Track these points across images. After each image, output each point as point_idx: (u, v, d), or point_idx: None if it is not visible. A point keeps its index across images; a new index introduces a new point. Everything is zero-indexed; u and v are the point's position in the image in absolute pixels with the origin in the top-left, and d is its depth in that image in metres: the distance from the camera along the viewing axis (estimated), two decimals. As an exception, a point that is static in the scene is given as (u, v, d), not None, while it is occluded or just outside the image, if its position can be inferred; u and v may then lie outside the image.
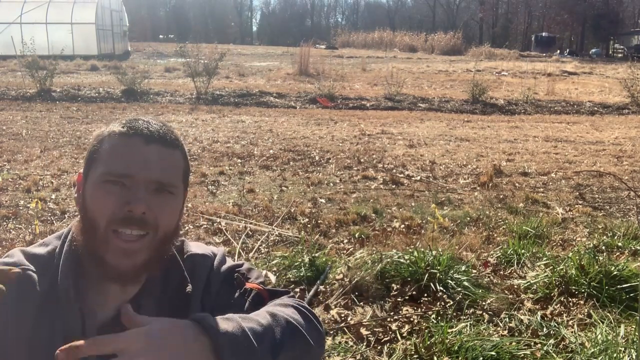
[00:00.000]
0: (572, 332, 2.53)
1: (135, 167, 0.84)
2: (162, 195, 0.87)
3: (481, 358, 2.24)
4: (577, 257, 3.10)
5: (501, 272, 3.24)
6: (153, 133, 0.87)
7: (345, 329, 2.55)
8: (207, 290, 0.98)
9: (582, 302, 2.82)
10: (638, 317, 2.44)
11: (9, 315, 0.84)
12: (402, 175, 5.86)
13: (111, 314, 0.90)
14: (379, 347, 2.42)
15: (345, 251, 3.58)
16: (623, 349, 2.30)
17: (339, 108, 11.63)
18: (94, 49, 21.95)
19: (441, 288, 2.87)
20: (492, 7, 55.14)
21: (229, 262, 1.04)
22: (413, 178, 5.75)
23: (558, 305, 2.80)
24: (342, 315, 2.68)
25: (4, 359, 0.84)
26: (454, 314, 2.68)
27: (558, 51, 39.42)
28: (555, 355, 2.30)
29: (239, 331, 0.75)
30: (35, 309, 0.85)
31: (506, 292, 2.96)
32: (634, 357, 2.22)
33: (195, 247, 1.02)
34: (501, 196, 5.10)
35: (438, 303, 2.78)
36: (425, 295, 2.85)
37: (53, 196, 4.67)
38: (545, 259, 3.31)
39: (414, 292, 2.86)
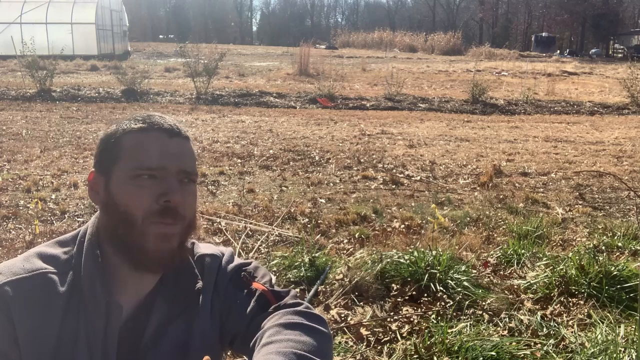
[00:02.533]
0: (572, 332, 2.53)
1: (167, 159, 0.88)
2: (188, 185, 0.91)
3: (481, 358, 2.24)
4: (577, 257, 3.10)
5: (501, 272, 3.24)
6: (172, 127, 0.91)
7: (345, 329, 2.55)
8: (216, 289, 0.99)
9: (582, 302, 2.82)
10: (638, 317, 2.44)
11: (36, 321, 0.84)
12: (402, 175, 5.86)
13: (131, 310, 0.92)
14: (379, 347, 2.42)
15: (345, 251, 3.58)
16: (623, 349, 2.30)
17: (339, 108, 11.63)
18: (94, 49, 21.95)
19: (441, 288, 2.87)
20: (492, 7, 55.12)
21: (237, 260, 1.05)
22: (413, 178, 5.75)
23: (558, 305, 2.80)
24: (342, 315, 2.68)
25: None
26: (454, 314, 2.68)
27: (558, 51, 39.42)
28: (555, 355, 2.30)
29: None
30: (60, 310, 0.86)
31: (506, 292, 2.96)
32: (634, 357, 2.21)
33: (204, 248, 1.04)
34: (501, 196, 5.10)
35: (438, 303, 2.78)
36: (425, 295, 2.85)
37: (53, 196, 4.67)
38: (545, 259, 3.31)
39: (414, 292, 2.86)
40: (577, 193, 5.31)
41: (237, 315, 0.97)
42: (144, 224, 0.86)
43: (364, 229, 4.03)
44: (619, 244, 3.66)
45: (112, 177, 0.89)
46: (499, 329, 2.57)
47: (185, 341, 0.94)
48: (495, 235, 3.98)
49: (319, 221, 4.19)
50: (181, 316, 0.94)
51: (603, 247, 3.60)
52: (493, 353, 2.25)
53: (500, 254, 3.48)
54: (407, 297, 2.83)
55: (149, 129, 0.89)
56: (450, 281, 2.92)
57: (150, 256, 0.86)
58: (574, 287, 2.91)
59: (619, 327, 2.50)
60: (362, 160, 6.52)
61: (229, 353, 2.01)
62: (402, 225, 4.13)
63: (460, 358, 2.24)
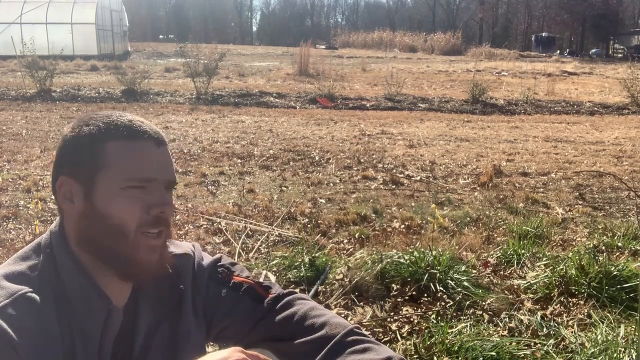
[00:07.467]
0: (572, 332, 2.53)
1: (157, 170, 0.87)
2: (170, 192, 0.91)
3: (481, 358, 2.24)
4: (577, 257, 3.10)
5: (501, 272, 3.24)
6: (158, 135, 0.89)
7: (345, 329, 2.55)
8: (196, 288, 1.00)
9: (582, 302, 2.82)
10: (638, 317, 2.44)
11: (40, 349, 0.79)
12: (402, 175, 5.86)
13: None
14: (379, 347, 2.41)
15: (345, 251, 3.58)
16: (623, 349, 2.30)
17: (339, 108, 11.63)
18: (94, 49, 21.95)
19: (441, 288, 2.87)
20: (492, 7, 55.10)
21: (207, 256, 1.06)
22: (413, 178, 5.75)
23: (558, 305, 2.80)
24: (342, 315, 2.68)
25: None
26: (454, 314, 2.68)
27: (558, 51, 39.42)
28: (555, 356, 2.30)
29: None
30: (56, 330, 0.81)
31: (506, 292, 2.96)
32: (634, 357, 2.22)
33: (173, 247, 1.01)
34: (501, 196, 5.10)
35: (438, 303, 2.78)
36: (425, 295, 2.85)
37: (53, 196, 4.67)
38: (545, 259, 3.31)
39: (414, 292, 2.86)
40: (577, 193, 5.31)
41: (226, 310, 0.99)
42: (136, 236, 0.84)
43: (364, 229, 4.03)
44: (619, 244, 3.66)
45: (96, 187, 0.84)
46: (499, 329, 2.57)
47: (173, 344, 0.94)
48: (495, 235, 3.98)
49: (319, 221, 4.18)
50: (165, 320, 0.94)
51: (603, 247, 3.60)
52: (493, 353, 2.25)
53: (500, 254, 3.48)
54: (407, 297, 2.83)
55: (135, 136, 0.85)
56: (450, 281, 2.92)
57: (141, 266, 0.85)
58: (574, 287, 2.91)
59: (619, 327, 2.50)
60: (362, 160, 6.52)
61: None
62: (402, 225, 4.13)
63: (460, 358, 2.24)
